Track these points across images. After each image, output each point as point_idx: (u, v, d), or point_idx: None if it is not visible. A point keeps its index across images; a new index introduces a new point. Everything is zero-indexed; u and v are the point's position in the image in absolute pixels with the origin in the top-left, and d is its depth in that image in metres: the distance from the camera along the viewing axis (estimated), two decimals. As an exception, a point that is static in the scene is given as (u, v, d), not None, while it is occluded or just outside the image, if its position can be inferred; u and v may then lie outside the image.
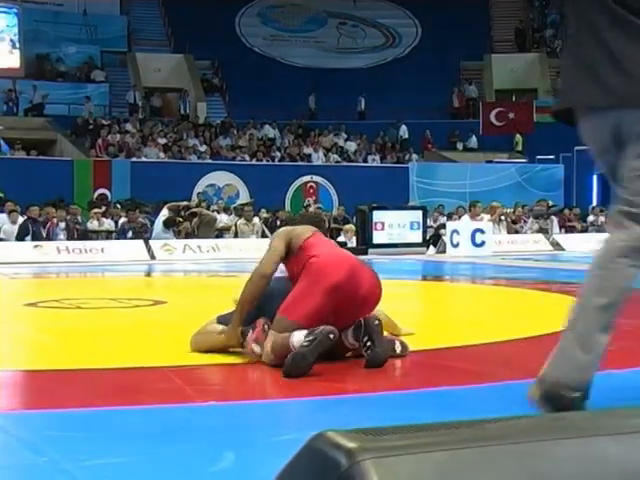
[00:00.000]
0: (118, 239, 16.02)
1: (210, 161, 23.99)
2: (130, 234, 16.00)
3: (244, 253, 15.13)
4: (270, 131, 26.89)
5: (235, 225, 17.26)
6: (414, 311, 6.84)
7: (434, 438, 1.09)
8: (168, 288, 9.94)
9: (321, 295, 3.79)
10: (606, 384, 3.50)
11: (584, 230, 20.46)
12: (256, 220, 17.27)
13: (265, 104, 27.12)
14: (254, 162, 24.47)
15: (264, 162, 24.66)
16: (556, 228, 19.96)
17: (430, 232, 18.25)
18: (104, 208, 17.75)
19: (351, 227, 17.48)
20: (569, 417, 1.16)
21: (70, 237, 15.61)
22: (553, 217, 20.44)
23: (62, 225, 15.73)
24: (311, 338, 3.55)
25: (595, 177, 26.36)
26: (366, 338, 3.76)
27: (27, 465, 2.38)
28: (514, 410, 2.92)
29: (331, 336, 3.55)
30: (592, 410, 1.22)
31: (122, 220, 16.66)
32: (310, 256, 3.93)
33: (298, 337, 3.62)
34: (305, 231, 4.17)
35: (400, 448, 1.03)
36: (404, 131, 28.41)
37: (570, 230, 20.23)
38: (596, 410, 1.22)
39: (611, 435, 1.10)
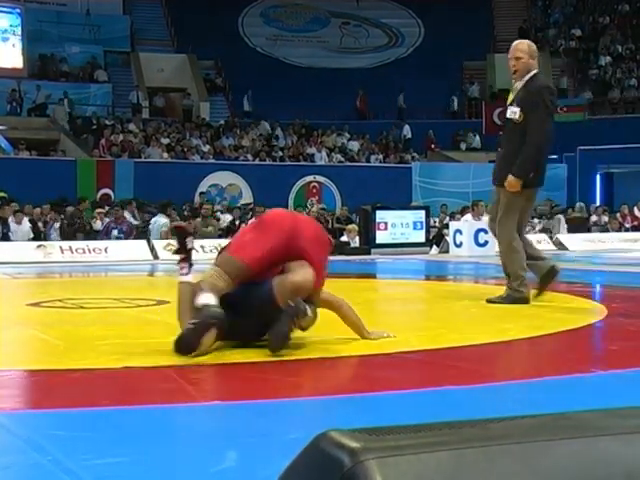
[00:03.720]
0: (108, 239, 15.90)
1: (213, 161, 24.01)
2: (115, 233, 15.91)
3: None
4: (267, 127, 26.89)
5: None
6: (413, 310, 6.84)
7: (437, 438, 1.09)
8: (171, 288, 9.93)
9: (273, 239, 3.91)
10: (611, 384, 3.50)
11: (587, 230, 20.46)
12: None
13: (268, 104, 27.12)
14: (257, 162, 24.48)
15: (267, 162, 24.67)
16: (563, 227, 19.94)
17: (433, 232, 18.25)
18: (107, 208, 17.76)
19: (354, 227, 17.49)
20: (573, 417, 1.16)
21: (65, 237, 15.57)
22: (560, 216, 20.42)
23: (56, 225, 15.71)
24: (195, 321, 3.70)
25: (598, 177, 26.34)
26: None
27: (31, 465, 2.38)
28: (516, 410, 2.92)
29: (213, 321, 3.69)
30: (596, 410, 1.22)
31: (107, 220, 16.56)
32: (259, 219, 4.23)
33: (203, 300, 3.74)
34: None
35: (403, 448, 1.03)
36: (407, 131, 28.42)
37: (573, 230, 20.22)
38: (601, 410, 1.21)
39: (616, 435, 1.09)
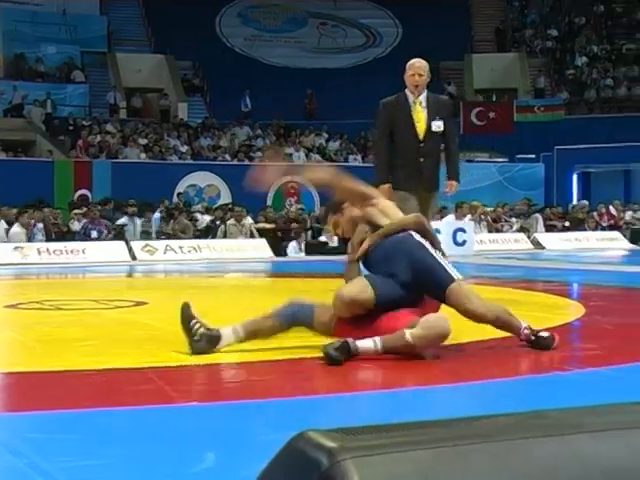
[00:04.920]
0: (87, 240, 15.76)
1: (191, 161, 23.93)
2: (94, 234, 15.82)
3: (226, 254, 15.12)
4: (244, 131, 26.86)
5: (225, 225, 17.18)
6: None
7: (413, 437, 1.09)
8: (149, 289, 9.90)
9: None
10: (587, 382, 3.52)
11: (565, 229, 20.57)
12: (246, 221, 17.20)
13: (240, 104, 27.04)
14: (235, 162, 24.43)
15: (245, 162, 24.63)
16: (541, 226, 20.04)
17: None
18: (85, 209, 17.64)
19: (333, 227, 17.46)
20: (549, 415, 1.16)
21: (49, 238, 15.49)
22: (538, 215, 20.52)
23: (40, 226, 15.61)
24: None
25: (575, 176, 26.53)
26: None
27: (7, 467, 2.37)
28: (493, 409, 2.93)
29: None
30: (573, 408, 1.23)
31: (84, 220, 16.44)
32: None
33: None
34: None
35: (380, 447, 1.03)
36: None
37: (550, 229, 20.33)
38: (577, 408, 1.22)
39: (592, 433, 1.10)
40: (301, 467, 1.07)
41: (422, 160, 6.92)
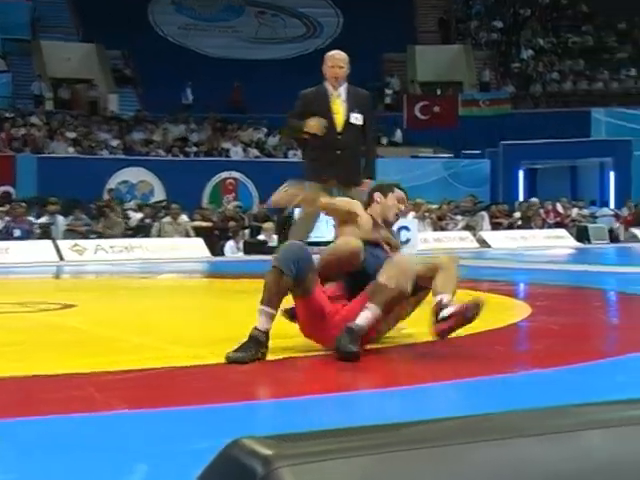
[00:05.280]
0: (11, 239, 15.46)
1: (123, 156, 23.68)
2: (18, 233, 15.55)
3: (159, 254, 15.00)
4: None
5: (159, 223, 17.02)
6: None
7: (354, 443, 1.09)
8: (78, 291, 9.77)
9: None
10: (532, 383, 3.58)
11: (510, 226, 20.86)
12: (182, 219, 17.07)
13: (180, 96, 26.88)
14: (169, 157, 24.24)
15: (180, 157, 24.46)
16: (487, 224, 20.27)
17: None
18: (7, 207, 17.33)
19: (271, 225, 17.48)
20: (494, 418, 1.17)
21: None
22: (484, 213, 20.76)
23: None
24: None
25: (521, 172, 26.92)
26: None
27: None
28: (439, 412, 2.96)
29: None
30: (518, 411, 1.24)
31: (7, 219, 16.13)
32: None
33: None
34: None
35: (319, 454, 1.03)
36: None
37: (496, 227, 20.59)
38: (521, 411, 1.24)
39: (536, 436, 1.11)
40: (236, 476, 1.06)
41: (339, 153, 7.01)
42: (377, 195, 5.23)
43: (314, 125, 6.83)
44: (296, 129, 7.05)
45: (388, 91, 30.96)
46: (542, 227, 20.52)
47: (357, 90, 7.29)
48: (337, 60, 7.17)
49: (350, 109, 7.03)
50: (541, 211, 21.46)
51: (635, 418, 1.28)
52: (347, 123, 6.99)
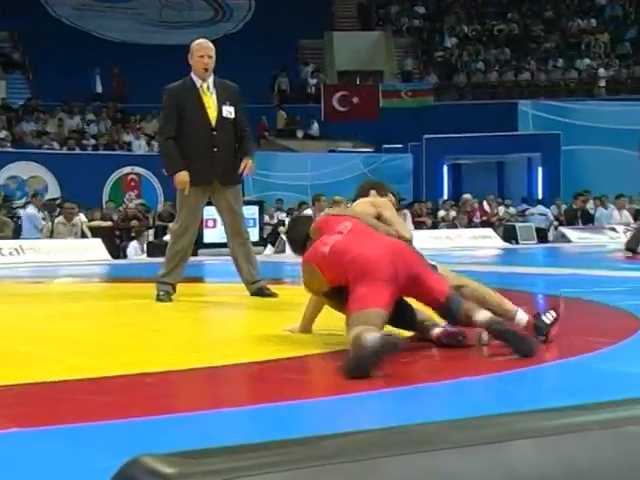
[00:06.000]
0: None
1: (12, 149, 23.20)
2: None
3: (54, 256, 14.74)
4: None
5: (52, 224, 16.71)
6: (245, 321, 6.86)
7: (265, 459, 1.09)
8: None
9: (384, 285, 4.13)
10: (455, 392, 3.63)
11: (435, 226, 21.11)
12: (78, 219, 16.79)
13: (76, 84, 26.45)
14: (65, 151, 23.86)
15: (77, 151, 24.10)
16: (409, 223, 20.47)
17: (268, 230, 18.37)
18: None
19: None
20: (409, 430, 1.19)
21: None
22: (406, 211, 20.96)
23: None
24: (384, 341, 3.71)
25: (446, 168, 27.28)
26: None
27: None
28: (352, 425, 2.98)
29: (401, 345, 3.81)
30: (438, 421, 1.26)
31: None
32: (353, 256, 4.28)
33: (372, 336, 3.75)
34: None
35: (226, 472, 1.03)
36: (237, 116, 28.45)
37: (420, 226, 20.81)
38: (442, 421, 1.26)
39: (457, 448, 1.13)
40: (136, 498, 1.05)
41: (216, 150, 7.13)
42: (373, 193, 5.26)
43: (180, 182, 7.11)
44: (171, 166, 7.23)
45: (312, 80, 31.02)
46: (468, 226, 20.83)
47: (224, 82, 7.38)
48: (207, 49, 7.30)
49: (221, 102, 7.14)
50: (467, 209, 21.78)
51: (563, 427, 1.31)
52: (220, 117, 7.11)
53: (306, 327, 4.96)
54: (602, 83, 30.85)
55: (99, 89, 28.47)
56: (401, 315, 4.44)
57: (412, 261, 4.37)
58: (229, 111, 7.12)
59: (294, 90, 31.24)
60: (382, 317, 4.06)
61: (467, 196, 22.50)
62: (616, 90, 30.50)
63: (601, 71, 31.06)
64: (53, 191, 21.86)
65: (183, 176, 7.08)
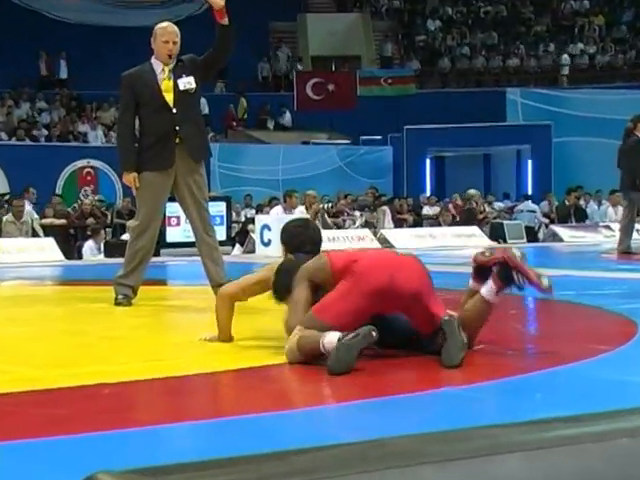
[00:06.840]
0: None
1: (-46, 141, 23.10)
2: None
3: (2, 257, 14.66)
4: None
5: (0, 222, 16.60)
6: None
7: (234, 475, 1.10)
8: None
9: (360, 299, 4.37)
10: (433, 404, 3.65)
11: (417, 224, 21.15)
12: (27, 218, 16.70)
13: (28, 68, 26.32)
14: (14, 142, 23.74)
15: (27, 142, 23.98)
16: (389, 221, 20.49)
17: (236, 228, 18.35)
18: None
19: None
20: (388, 443, 1.20)
21: None
22: (385, 208, 20.97)
23: None
24: (354, 334, 4.05)
25: (428, 161, 27.35)
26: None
27: None
28: (325, 438, 2.99)
29: (374, 334, 4.06)
30: (416, 435, 1.27)
31: None
32: (352, 261, 4.50)
33: (330, 338, 4.08)
34: (320, 262, 4.63)
35: (188, 489, 1.03)
36: (203, 105, 28.40)
37: (400, 224, 20.85)
38: (420, 435, 1.26)
39: (435, 463, 1.14)
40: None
41: (178, 129, 7.18)
42: None
43: (127, 181, 7.30)
44: (123, 163, 7.38)
45: (283, 66, 30.99)
46: (453, 224, 20.87)
47: (181, 60, 7.35)
48: (172, 34, 7.33)
49: (177, 77, 7.18)
50: (450, 206, 21.82)
51: (552, 440, 1.32)
52: (178, 94, 7.14)
53: (227, 335, 5.08)
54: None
55: (63, 74, 28.31)
56: (392, 333, 4.51)
57: (415, 277, 4.52)
58: (188, 82, 7.15)
59: (265, 77, 31.23)
60: (325, 329, 4.28)
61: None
62: (612, 77, 30.68)
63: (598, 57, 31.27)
64: (1, 186, 21.75)
65: (131, 177, 7.20)
